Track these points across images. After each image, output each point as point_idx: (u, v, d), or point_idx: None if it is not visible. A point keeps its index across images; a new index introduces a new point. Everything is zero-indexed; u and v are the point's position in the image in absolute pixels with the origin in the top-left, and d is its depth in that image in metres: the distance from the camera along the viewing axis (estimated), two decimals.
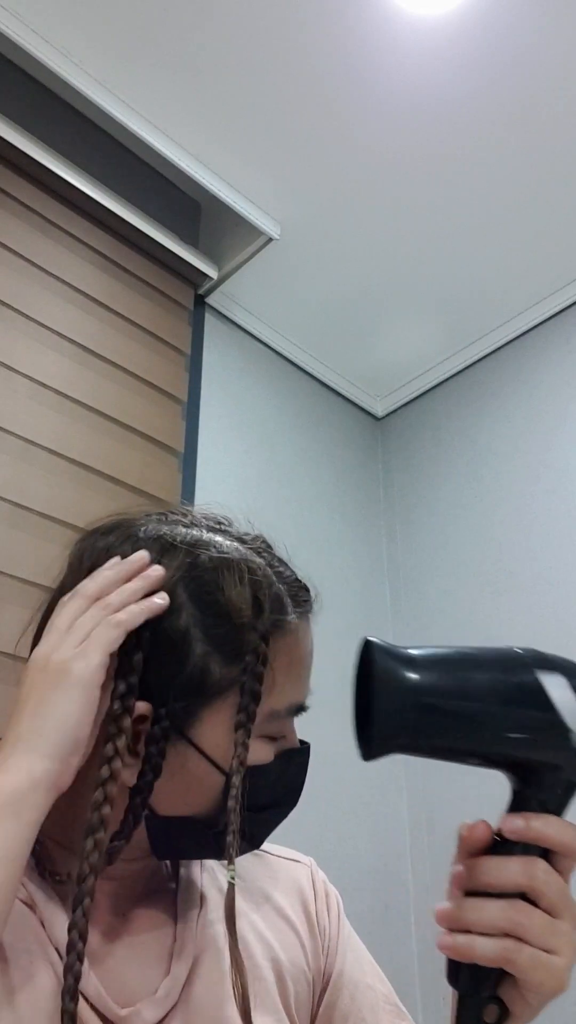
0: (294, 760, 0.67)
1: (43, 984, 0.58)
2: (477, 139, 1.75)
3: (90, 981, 0.60)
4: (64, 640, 0.60)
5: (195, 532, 0.66)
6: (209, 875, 0.73)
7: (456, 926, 0.53)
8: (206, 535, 0.66)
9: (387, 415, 2.49)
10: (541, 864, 0.53)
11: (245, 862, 0.75)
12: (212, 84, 1.67)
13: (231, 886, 0.58)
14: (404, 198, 1.88)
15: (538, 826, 0.53)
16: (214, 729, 0.61)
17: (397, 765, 2.02)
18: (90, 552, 0.67)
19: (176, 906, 0.68)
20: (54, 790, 0.56)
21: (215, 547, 0.65)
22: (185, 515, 0.70)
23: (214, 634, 0.62)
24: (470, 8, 1.53)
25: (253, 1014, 0.59)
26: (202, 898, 0.70)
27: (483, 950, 0.52)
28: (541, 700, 0.53)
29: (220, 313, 2.11)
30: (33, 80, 1.73)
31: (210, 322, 2.07)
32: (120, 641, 0.60)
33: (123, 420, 1.68)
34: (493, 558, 2.03)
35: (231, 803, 0.60)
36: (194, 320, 1.98)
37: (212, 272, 1.96)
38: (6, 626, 1.33)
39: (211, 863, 0.74)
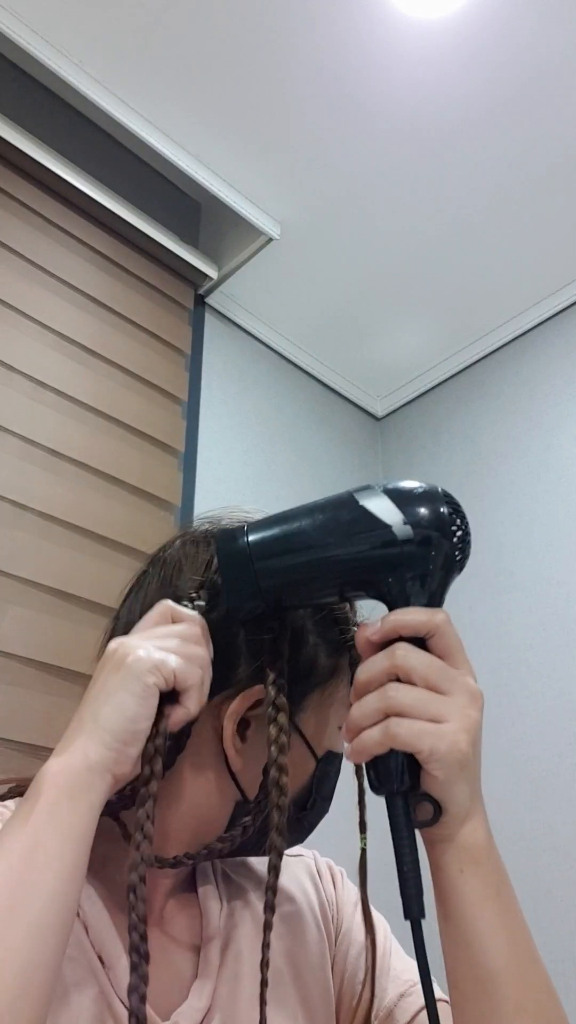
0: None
1: (85, 992, 0.58)
2: (477, 140, 1.75)
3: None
4: (142, 637, 0.60)
5: None
6: (223, 877, 0.73)
7: (353, 734, 0.56)
8: None
9: (387, 415, 2.49)
10: (400, 645, 0.56)
11: (253, 865, 0.75)
12: (212, 84, 1.67)
13: (274, 870, 0.58)
14: (404, 198, 1.88)
15: (389, 619, 0.57)
16: (311, 716, 0.66)
17: None
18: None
19: (199, 908, 0.68)
20: (110, 775, 0.55)
21: None
22: None
23: (322, 628, 0.68)
24: (469, 11, 1.53)
25: (273, 1017, 0.60)
26: (221, 900, 0.70)
27: (370, 738, 0.55)
28: (359, 513, 0.60)
29: (220, 313, 2.11)
30: (33, 80, 1.73)
31: (210, 322, 2.07)
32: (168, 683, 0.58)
33: (123, 420, 1.68)
34: (493, 558, 2.03)
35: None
36: (194, 320, 1.98)
37: (212, 272, 1.96)
38: (6, 626, 1.33)
39: (223, 866, 0.74)
